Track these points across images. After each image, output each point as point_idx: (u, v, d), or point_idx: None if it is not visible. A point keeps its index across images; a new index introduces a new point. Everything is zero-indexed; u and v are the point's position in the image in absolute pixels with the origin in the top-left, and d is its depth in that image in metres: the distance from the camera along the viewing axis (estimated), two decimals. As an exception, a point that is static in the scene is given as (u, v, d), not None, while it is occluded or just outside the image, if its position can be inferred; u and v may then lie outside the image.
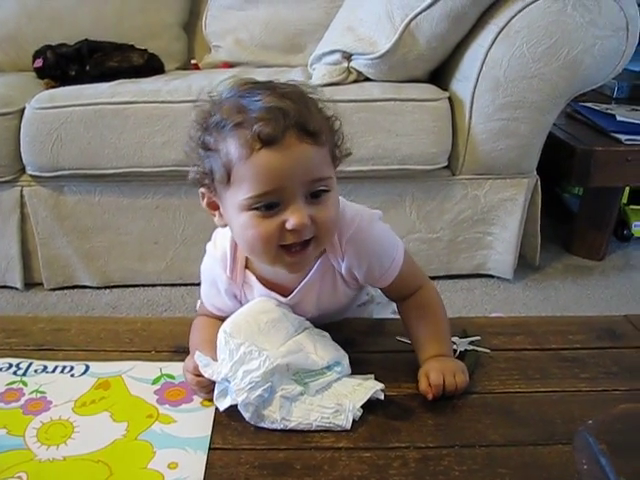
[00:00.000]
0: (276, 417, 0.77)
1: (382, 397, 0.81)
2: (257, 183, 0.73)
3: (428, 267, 2.02)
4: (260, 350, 0.78)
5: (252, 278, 0.88)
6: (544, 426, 0.78)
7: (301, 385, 0.80)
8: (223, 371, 0.78)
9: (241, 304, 0.90)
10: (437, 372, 0.82)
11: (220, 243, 0.89)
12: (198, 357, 0.81)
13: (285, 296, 0.88)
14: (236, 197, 0.75)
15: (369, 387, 0.82)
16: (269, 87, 0.77)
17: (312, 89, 0.81)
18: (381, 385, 0.82)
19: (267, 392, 0.77)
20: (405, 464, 0.72)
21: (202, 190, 0.82)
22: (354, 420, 0.78)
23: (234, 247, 0.87)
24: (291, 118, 0.72)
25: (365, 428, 0.78)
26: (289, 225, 0.74)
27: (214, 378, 0.79)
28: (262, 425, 0.77)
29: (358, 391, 0.81)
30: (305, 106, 0.75)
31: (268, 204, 0.74)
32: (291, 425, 0.77)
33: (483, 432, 0.77)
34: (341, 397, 0.80)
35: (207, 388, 0.81)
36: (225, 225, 0.83)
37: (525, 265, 2.18)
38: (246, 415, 0.77)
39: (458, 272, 2.11)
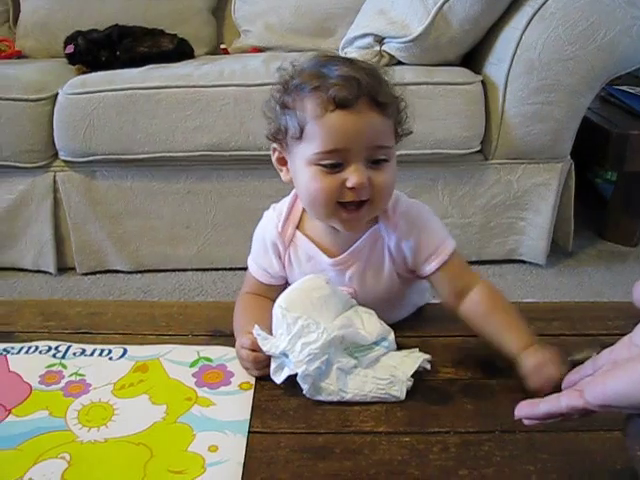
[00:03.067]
0: (333, 389, 0.78)
1: (429, 367, 0.83)
2: (326, 141, 0.79)
3: (460, 252, 2.01)
4: (317, 323, 0.79)
5: (301, 237, 0.92)
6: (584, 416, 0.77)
7: (353, 358, 0.81)
8: (281, 345, 0.79)
9: (284, 267, 0.93)
10: (555, 364, 0.76)
11: (279, 206, 0.95)
12: (257, 331, 0.81)
13: (331, 257, 0.90)
14: (305, 152, 0.81)
15: (416, 357, 0.83)
16: (348, 60, 0.85)
17: (384, 71, 0.86)
18: (428, 355, 0.83)
19: (325, 364, 0.78)
20: (445, 449, 0.71)
21: (274, 145, 0.88)
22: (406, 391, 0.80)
23: (292, 205, 0.93)
24: (364, 87, 0.78)
25: (404, 413, 0.77)
26: (349, 183, 0.80)
27: (272, 352, 0.79)
28: (318, 398, 0.78)
29: (406, 362, 0.82)
30: (377, 80, 0.81)
31: (333, 163, 0.80)
32: (347, 397, 0.78)
33: (524, 418, 0.76)
34: (392, 369, 0.81)
35: (262, 364, 0.82)
36: (290, 180, 0.88)
37: (558, 251, 2.16)
38: (304, 387, 0.78)
39: (490, 257, 2.09)
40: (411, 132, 0.87)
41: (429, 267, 0.89)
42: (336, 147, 0.79)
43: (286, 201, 0.94)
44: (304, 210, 0.91)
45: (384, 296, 0.92)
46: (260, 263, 0.95)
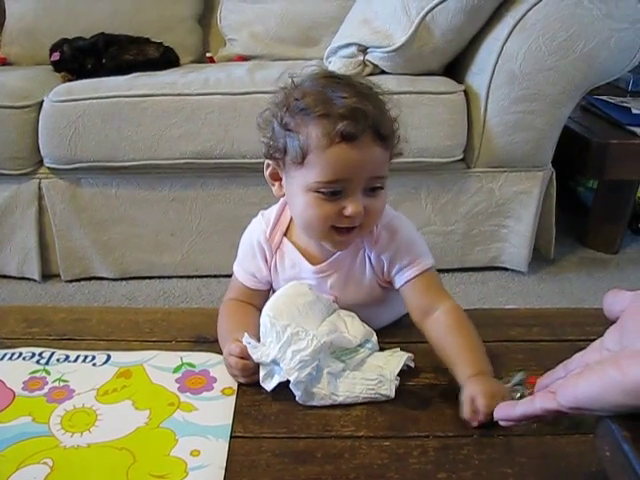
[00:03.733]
0: (325, 393, 0.79)
1: (413, 365, 0.85)
2: (329, 171, 0.81)
3: (443, 260, 2.03)
4: (306, 330, 0.80)
5: (287, 244, 0.94)
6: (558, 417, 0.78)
7: (341, 362, 0.82)
8: (272, 353, 0.79)
9: (270, 272, 0.94)
10: (486, 397, 0.75)
11: (267, 213, 0.96)
12: (247, 339, 0.82)
13: (314, 265, 0.92)
14: (305, 178, 0.83)
15: (400, 356, 0.85)
16: (349, 84, 0.84)
17: (379, 88, 0.87)
18: (410, 354, 0.86)
19: (315, 370, 0.79)
20: (425, 453, 0.72)
21: (269, 161, 0.89)
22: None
23: (280, 212, 0.95)
24: (369, 120, 0.80)
25: (384, 418, 0.78)
26: (347, 212, 0.82)
27: (262, 360, 0.80)
28: (311, 403, 0.79)
29: (391, 361, 0.84)
30: (380, 110, 0.83)
31: (333, 191, 0.82)
32: (339, 400, 0.80)
33: (501, 422, 0.77)
34: (378, 369, 0.83)
35: (251, 371, 0.82)
36: (282, 195, 0.90)
37: (540, 258, 2.18)
38: (297, 394, 0.79)
39: (473, 265, 2.11)
40: (401, 154, 0.89)
41: (401, 278, 0.90)
42: (337, 178, 0.81)
43: (274, 209, 0.96)
44: (292, 218, 0.93)
45: (365, 304, 0.94)
46: (247, 268, 0.96)
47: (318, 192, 0.82)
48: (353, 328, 0.86)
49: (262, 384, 0.81)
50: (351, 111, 0.79)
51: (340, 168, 0.80)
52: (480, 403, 0.75)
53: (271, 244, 0.94)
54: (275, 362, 0.80)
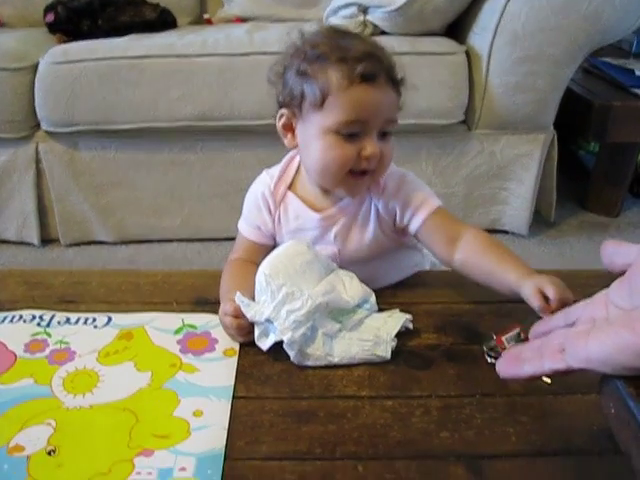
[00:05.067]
0: (320, 354, 0.79)
1: (411, 327, 0.85)
2: (349, 112, 0.84)
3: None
4: (301, 290, 0.80)
5: (291, 196, 0.96)
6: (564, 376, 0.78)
7: (338, 322, 0.82)
8: (266, 312, 0.79)
9: (274, 224, 0.96)
10: (555, 285, 0.76)
11: (272, 170, 0.99)
12: (239, 298, 0.82)
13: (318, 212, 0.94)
14: (325, 120, 0.85)
15: (398, 318, 0.85)
16: (356, 36, 0.90)
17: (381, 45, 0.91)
18: (409, 315, 0.85)
19: (310, 330, 0.79)
20: (427, 412, 0.73)
21: (283, 111, 0.91)
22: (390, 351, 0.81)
23: (285, 167, 0.98)
24: (384, 64, 0.85)
25: (387, 377, 0.78)
26: (365, 152, 0.85)
27: (256, 319, 0.80)
28: (306, 364, 0.79)
29: (389, 323, 0.84)
30: (391, 59, 0.87)
31: (352, 132, 0.85)
32: (335, 361, 0.79)
33: (504, 381, 0.76)
34: (375, 330, 0.82)
35: (246, 330, 0.82)
36: (295, 146, 0.93)
37: (540, 221, 2.18)
38: (291, 354, 0.79)
39: (473, 228, 2.10)
40: (401, 108, 0.91)
41: (417, 220, 0.93)
42: (358, 118, 0.84)
43: (279, 165, 0.98)
44: (297, 172, 0.96)
45: (367, 258, 0.95)
46: (252, 221, 0.98)
47: (337, 134, 0.85)
48: (351, 289, 0.85)
49: (257, 343, 0.81)
50: (367, 54, 0.83)
51: (360, 108, 0.83)
52: (550, 291, 0.75)
53: (275, 197, 0.96)
54: (269, 321, 0.80)
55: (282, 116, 0.91)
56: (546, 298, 0.75)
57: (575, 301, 0.66)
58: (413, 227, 0.93)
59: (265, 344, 0.81)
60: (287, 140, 0.92)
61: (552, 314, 0.70)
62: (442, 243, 0.92)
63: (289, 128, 0.91)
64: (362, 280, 0.88)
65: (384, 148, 0.87)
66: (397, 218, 0.94)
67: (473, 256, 0.89)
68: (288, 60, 0.89)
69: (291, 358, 0.79)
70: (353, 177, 0.88)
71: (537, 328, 0.69)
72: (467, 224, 0.93)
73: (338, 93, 0.83)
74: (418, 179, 0.97)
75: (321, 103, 0.84)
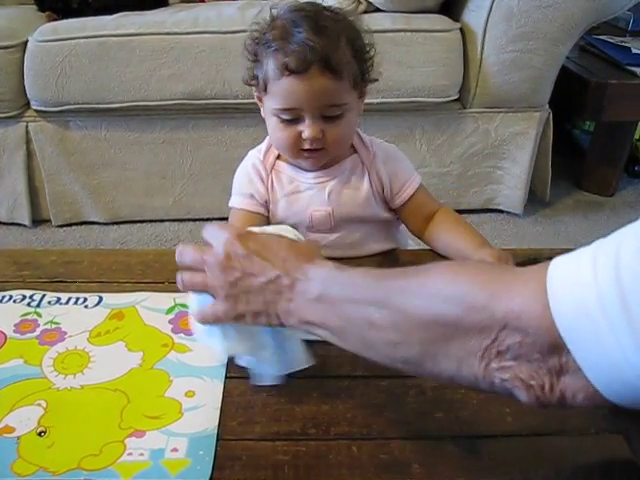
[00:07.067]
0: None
1: None
2: (281, 100, 0.90)
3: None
4: None
5: (282, 163, 0.99)
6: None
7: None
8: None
9: (267, 191, 0.98)
10: (494, 257, 0.87)
11: (259, 145, 1.02)
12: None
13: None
14: (269, 104, 0.92)
15: None
16: (315, 18, 0.88)
17: (355, 17, 0.95)
18: None
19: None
20: (422, 392, 0.72)
21: (254, 83, 0.95)
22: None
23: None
24: (317, 54, 0.85)
25: (381, 357, 0.78)
26: (304, 135, 0.90)
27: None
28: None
29: None
30: (336, 42, 0.88)
31: (289, 118, 0.90)
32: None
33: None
34: None
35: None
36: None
37: (535, 200, 2.17)
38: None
39: (468, 207, 2.10)
40: (377, 79, 0.96)
41: (402, 196, 0.99)
42: (290, 106, 0.89)
43: (264, 142, 1.01)
44: None
45: (359, 219, 0.98)
46: (244, 191, 0.99)
47: (278, 117, 0.91)
48: None
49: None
50: (301, 45, 0.85)
51: (290, 98, 0.88)
52: (499, 254, 0.87)
53: (265, 165, 0.99)
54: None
55: (255, 89, 0.96)
56: None
57: None
58: (397, 202, 1.00)
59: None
60: (262, 111, 0.97)
61: None
62: (419, 220, 1.00)
63: (261, 101, 0.96)
64: (352, 244, 0.96)
65: (331, 130, 0.90)
66: (386, 188, 0.99)
67: (439, 232, 0.98)
68: (251, 39, 0.93)
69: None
70: (308, 152, 0.93)
71: None
72: (438, 202, 1.02)
73: (273, 82, 0.89)
74: (402, 154, 1.02)
75: (265, 88, 0.91)
